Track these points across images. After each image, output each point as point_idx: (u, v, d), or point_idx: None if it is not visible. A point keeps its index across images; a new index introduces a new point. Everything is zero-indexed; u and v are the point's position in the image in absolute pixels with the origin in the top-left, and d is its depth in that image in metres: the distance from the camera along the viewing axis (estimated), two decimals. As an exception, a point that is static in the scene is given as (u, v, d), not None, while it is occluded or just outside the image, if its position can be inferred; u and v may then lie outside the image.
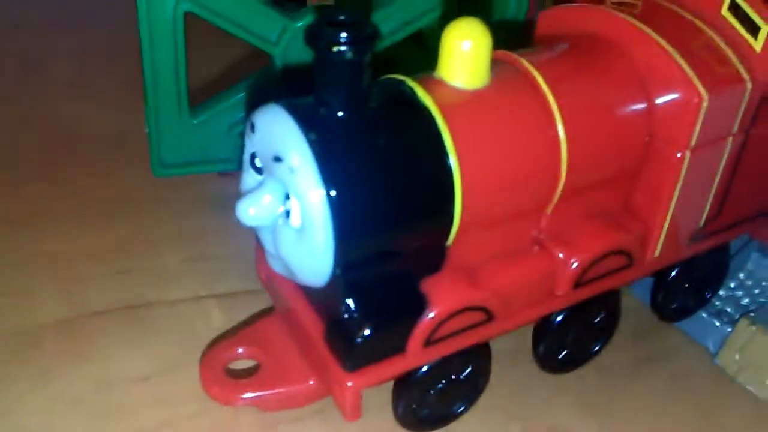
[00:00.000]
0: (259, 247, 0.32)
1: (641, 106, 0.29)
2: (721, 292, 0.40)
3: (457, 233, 0.27)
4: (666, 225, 0.31)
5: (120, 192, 0.46)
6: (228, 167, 0.44)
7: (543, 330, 0.33)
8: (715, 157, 0.31)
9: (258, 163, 0.27)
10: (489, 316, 0.29)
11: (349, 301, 0.27)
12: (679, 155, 0.30)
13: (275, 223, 0.26)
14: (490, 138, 0.27)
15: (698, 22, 0.30)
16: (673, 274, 0.36)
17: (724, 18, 0.30)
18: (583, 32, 0.31)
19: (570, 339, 0.34)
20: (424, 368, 0.29)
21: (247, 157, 0.27)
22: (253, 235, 0.29)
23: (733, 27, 0.30)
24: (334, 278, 0.26)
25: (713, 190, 0.32)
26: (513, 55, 0.29)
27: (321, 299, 0.29)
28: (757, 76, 0.29)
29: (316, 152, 0.24)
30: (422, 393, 0.30)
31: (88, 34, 0.65)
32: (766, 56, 0.29)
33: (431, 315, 0.27)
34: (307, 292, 0.30)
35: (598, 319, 0.34)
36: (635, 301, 0.40)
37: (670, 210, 0.31)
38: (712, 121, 0.29)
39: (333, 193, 0.24)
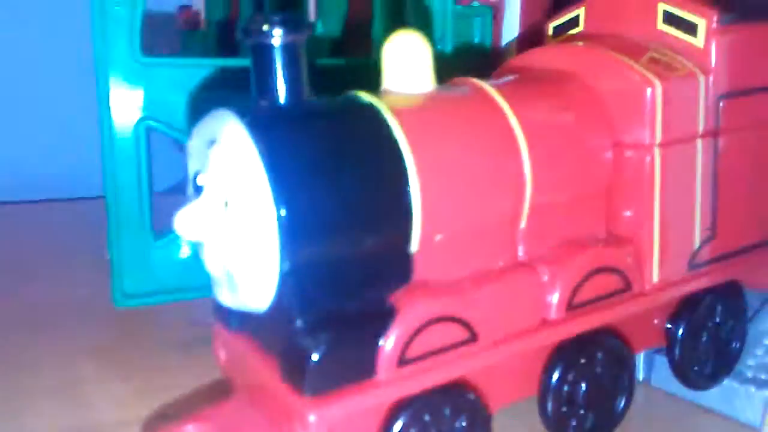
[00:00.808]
0: (216, 329, 0.29)
1: (600, 119, 0.29)
2: (750, 362, 0.35)
3: (422, 238, 0.25)
4: (656, 239, 0.29)
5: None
6: (196, 295, 0.41)
7: (546, 384, 0.28)
8: (688, 159, 0.29)
9: (199, 181, 0.25)
10: (471, 333, 0.25)
11: (303, 312, 0.23)
12: (648, 158, 0.28)
13: (216, 227, 0.23)
14: (446, 135, 0.26)
15: (640, 41, 0.31)
16: (684, 327, 0.32)
17: (661, 31, 0.31)
18: (542, 68, 0.31)
19: (581, 396, 0.29)
20: (404, 414, 0.24)
21: (190, 177, 0.25)
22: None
23: (672, 35, 0.30)
24: (284, 282, 0.23)
25: (698, 202, 0.30)
26: (469, 79, 0.29)
27: (274, 340, 0.25)
28: (708, 70, 0.29)
29: (250, 128, 0.22)
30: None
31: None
32: (708, 49, 0.29)
33: (399, 322, 0.23)
34: (265, 342, 0.26)
35: (607, 369, 0.29)
36: (658, 392, 0.35)
37: (655, 219, 0.28)
38: (672, 114, 0.28)
39: (273, 167, 0.22)
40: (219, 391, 0.35)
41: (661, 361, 0.34)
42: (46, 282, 0.51)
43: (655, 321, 0.32)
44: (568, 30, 0.35)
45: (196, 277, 0.41)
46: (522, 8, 0.46)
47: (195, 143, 0.24)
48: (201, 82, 0.39)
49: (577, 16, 0.35)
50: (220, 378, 0.37)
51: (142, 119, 0.38)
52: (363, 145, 0.24)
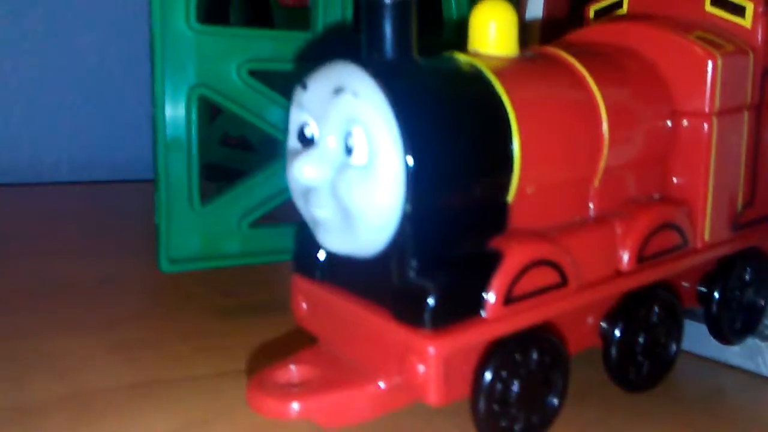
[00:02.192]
0: (297, 280, 0.30)
1: (660, 89, 0.31)
2: (767, 321, 0.38)
3: (518, 189, 0.27)
4: (709, 200, 0.31)
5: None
6: (237, 262, 0.42)
7: (609, 336, 0.30)
8: (737, 128, 0.32)
9: (308, 132, 0.26)
10: (563, 278, 0.27)
11: (419, 254, 0.24)
12: (706, 126, 0.31)
13: (336, 172, 0.25)
14: (540, 95, 0.28)
15: (687, 22, 0.33)
16: (720, 287, 0.35)
17: (709, 13, 0.33)
18: (600, 42, 0.33)
19: (641, 344, 0.31)
20: (499, 352, 0.26)
21: (294, 129, 0.27)
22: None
23: (720, 17, 0.33)
24: (403, 224, 0.24)
25: (742, 169, 0.33)
26: (547, 47, 0.31)
27: (381, 284, 0.26)
28: (756, 47, 0.32)
29: (378, 77, 0.24)
30: (505, 380, 0.26)
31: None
32: (756, 29, 0.32)
33: (507, 264, 0.25)
34: (363, 289, 0.27)
35: (662, 322, 0.32)
36: (683, 353, 0.38)
37: (710, 182, 0.31)
38: (728, 86, 0.31)
39: (402, 115, 0.23)
40: (281, 348, 0.36)
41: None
42: (95, 257, 0.51)
43: (685, 284, 0.35)
44: (611, 13, 0.38)
45: (237, 244, 0.41)
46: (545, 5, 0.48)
47: (310, 93, 0.26)
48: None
49: (621, 0, 0.37)
50: (274, 339, 0.38)
51: (194, 86, 0.39)
52: (473, 101, 0.26)
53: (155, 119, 0.38)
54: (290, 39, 0.41)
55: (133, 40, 0.76)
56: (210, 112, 0.76)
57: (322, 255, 0.29)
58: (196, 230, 0.40)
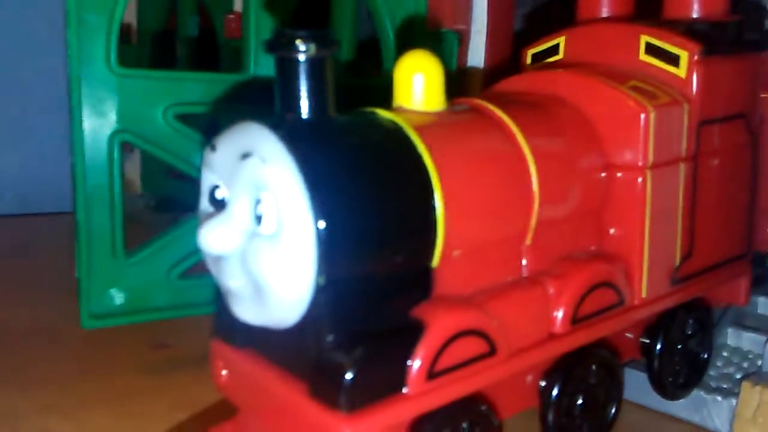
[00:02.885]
0: (217, 346, 0.28)
1: (593, 142, 0.30)
2: (711, 373, 0.38)
3: (442, 253, 0.25)
4: (645, 255, 0.30)
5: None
6: (166, 315, 0.40)
7: (547, 398, 0.29)
8: (672, 180, 0.31)
9: (219, 194, 0.25)
10: (491, 346, 0.25)
11: (335, 327, 0.23)
12: (640, 179, 0.30)
13: (246, 241, 0.23)
14: (464, 152, 0.26)
15: (622, 70, 0.33)
16: (661, 341, 0.34)
17: (643, 61, 0.33)
18: (531, 92, 0.32)
19: (578, 406, 0.30)
20: (427, 428, 0.24)
21: (206, 190, 0.25)
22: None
23: (654, 66, 0.32)
24: (317, 296, 0.23)
25: (679, 222, 0.32)
26: (473, 99, 0.30)
27: (297, 357, 0.25)
28: (690, 98, 0.31)
29: (287, 141, 0.22)
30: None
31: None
32: (690, 79, 0.32)
33: (430, 336, 0.24)
34: (281, 359, 0.26)
35: (599, 380, 0.31)
36: (628, 403, 0.37)
37: (645, 236, 0.30)
38: (661, 138, 0.30)
39: (311, 179, 0.22)
40: (207, 413, 0.34)
41: (629, 374, 0.36)
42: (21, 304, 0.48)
43: (629, 335, 0.34)
44: (547, 58, 0.37)
45: (165, 296, 0.40)
46: (488, 36, 0.48)
47: (219, 156, 0.24)
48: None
49: (557, 45, 0.36)
50: (204, 397, 0.36)
51: (116, 131, 0.37)
52: (392, 162, 0.24)
53: (74, 167, 0.36)
54: (220, 81, 0.39)
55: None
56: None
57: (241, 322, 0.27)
58: (121, 283, 0.38)
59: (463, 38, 0.48)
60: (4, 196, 0.77)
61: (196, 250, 0.40)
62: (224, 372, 0.29)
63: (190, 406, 0.36)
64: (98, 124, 0.36)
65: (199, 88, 0.39)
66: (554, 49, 0.36)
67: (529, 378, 0.30)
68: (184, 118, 0.39)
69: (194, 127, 0.39)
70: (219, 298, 0.29)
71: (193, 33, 0.74)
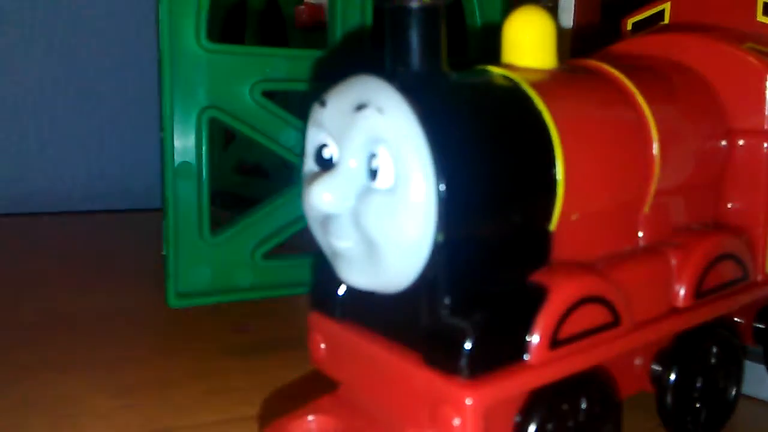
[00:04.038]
0: (315, 319, 0.27)
1: (714, 107, 0.28)
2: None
3: (561, 217, 0.24)
4: (772, 227, 0.28)
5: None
6: (250, 296, 0.39)
7: (665, 380, 0.27)
8: (800, 147, 0.29)
9: (327, 153, 0.23)
10: (614, 316, 0.24)
11: (453, 289, 0.22)
12: (765, 145, 0.28)
13: (358, 198, 0.22)
14: (584, 112, 0.25)
15: (735, 33, 0.31)
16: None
17: (761, 22, 0.31)
18: (645, 55, 0.30)
19: (698, 389, 0.28)
20: (544, 402, 0.23)
21: (311, 150, 0.24)
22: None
23: (772, 27, 0.30)
24: (434, 256, 0.21)
25: (806, 193, 0.29)
26: (590, 60, 0.28)
27: (407, 324, 0.23)
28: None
29: (405, 92, 0.21)
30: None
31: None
32: (816, 40, 0.29)
33: (553, 302, 0.22)
34: (387, 329, 0.25)
35: (720, 363, 0.28)
36: (744, 398, 0.34)
37: (771, 207, 0.28)
38: (789, 100, 0.28)
39: (433, 133, 0.21)
40: (298, 392, 0.33)
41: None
42: (101, 291, 0.49)
43: (739, 320, 0.32)
44: (650, 26, 0.35)
45: (250, 277, 0.39)
46: (576, 11, 0.46)
47: (329, 111, 0.23)
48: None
49: (662, 11, 0.35)
50: (290, 381, 0.35)
51: (204, 108, 0.37)
52: (512, 120, 0.23)
53: (164, 144, 0.36)
54: (306, 58, 0.38)
55: (150, 65, 0.75)
56: (224, 139, 0.74)
57: (342, 290, 0.26)
58: (206, 262, 0.38)
59: (552, 4, 0.46)
60: (72, 194, 0.78)
61: (281, 231, 0.39)
62: (323, 346, 0.27)
63: (276, 387, 0.35)
64: (187, 101, 0.36)
65: (286, 64, 0.38)
66: (659, 16, 0.35)
67: (638, 360, 0.28)
68: (271, 96, 0.38)
69: (282, 105, 0.38)
70: (317, 270, 0.28)
71: (260, 6, 0.73)
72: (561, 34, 0.43)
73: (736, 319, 0.32)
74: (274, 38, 0.70)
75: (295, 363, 0.35)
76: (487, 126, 0.22)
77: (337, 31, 0.39)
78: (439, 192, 0.21)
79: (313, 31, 0.65)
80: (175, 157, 0.36)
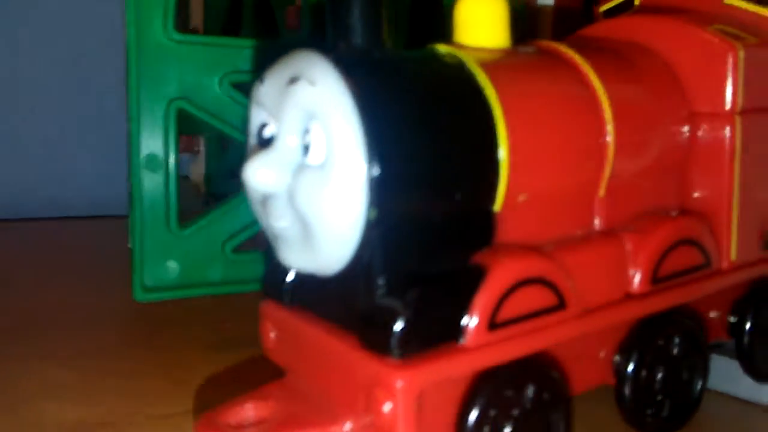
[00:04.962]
0: (266, 307, 0.27)
1: (675, 88, 0.28)
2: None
3: (506, 197, 0.23)
4: (735, 213, 0.27)
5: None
6: (220, 290, 0.39)
7: (623, 370, 0.26)
8: (765, 129, 0.28)
9: (267, 132, 0.23)
10: (560, 299, 0.23)
11: (387, 269, 0.21)
12: (728, 128, 0.27)
13: (293, 176, 0.21)
14: (532, 91, 0.24)
15: (703, 15, 0.30)
16: (752, 317, 0.30)
17: (728, 5, 0.30)
18: (610, 38, 0.30)
19: (659, 381, 0.27)
20: (487, 387, 0.22)
21: (254, 129, 0.23)
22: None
23: (740, 9, 0.29)
24: (367, 234, 0.21)
25: (774, 178, 0.29)
26: (547, 41, 0.28)
27: (346, 307, 0.23)
28: (783, 41, 0.28)
29: (336, 63, 0.21)
30: (494, 421, 0.22)
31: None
32: (783, 21, 0.29)
33: (491, 281, 0.21)
34: (329, 313, 0.24)
35: (683, 355, 0.28)
36: (715, 394, 0.33)
37: (735, 193, 0.27)
38: (752, 81, 0.27)
39: (364, 105, 0.20)
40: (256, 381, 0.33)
41: (714, 360, 0.33)
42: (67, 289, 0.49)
43: (713, 314, 0.31)
44: (620, 13, 0.35)
45: (220, 271, 0.39)
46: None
47: (267, 88, 0.23)
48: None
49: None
50: (254, 373, 0.35)
51: (173, 99, 0.36)
52: (452, 96, 0.22)
53: (130, 134, 0.36)
54: (276, 48, 0.38)
55: (116, 70, 0.75)
56: (221, 143, 0.74)
57: (291, 276, 0.26)
58: (175, 255, 0.37)
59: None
60: (72, 199, 0.78)
61: (252, 224, 0.39)
62: (272, 334, 0.27)
63: (241, 380, 0.34)
64: (155, 91, 0.36)
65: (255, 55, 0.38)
66: (628, 3, 0.34)
67: (602, 353, 0.27)
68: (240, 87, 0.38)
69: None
70: (268, 256, 0.27)
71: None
72: (542, 13, 0.43)
73: (711, 313, 0.31)
74: (268, 36, 0.71)
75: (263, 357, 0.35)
76: (424, 102, 0.22)
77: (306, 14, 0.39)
78: (369, 169, 0.20)
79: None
80: (142, 148, 0.36)
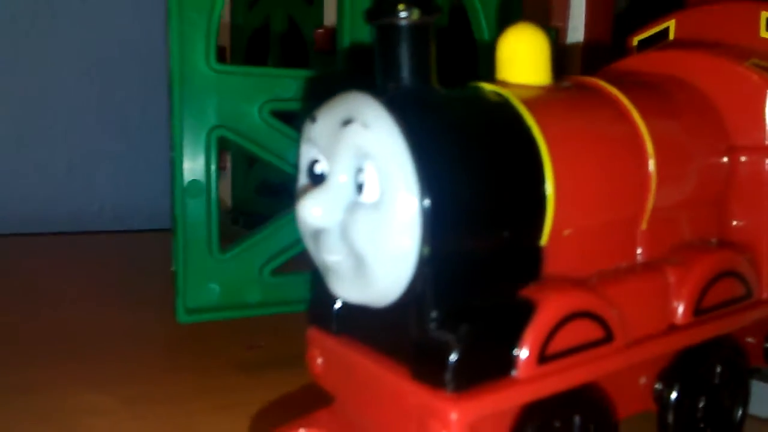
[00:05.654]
0: (313, 334, 0.27)
1: (714, 123, 0.28)
2: None
3: (552, 232, 0.24)
4: (775, 244, 0.28)
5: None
6: (258, 312, 0.39)
7: (666, 399, 0.27)
8: (805, 162, 0.28)
9: (318, 168, 0.24)
10: (607, 332, 0.23)
11: (439, 303, 0.22)
12: (767, 161, 0.28)
13: (347, 213, 0.22)
14: (576, 127, 0.25)
15: (739, 49, 0.30)
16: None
17: (764, 39, 0.30)
18: (647, 72, 0.30)
19: (700, 410, 0.27)
20: (535, 418, 0.22)
21: (304, 166, 0.24)
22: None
23: (777, 43, 0.30)
24: (420, 269, 0.21)
25: (813, 209, 0.29)
26: (587, 77, 0.28)
27: (397, 338, 0.23)
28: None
29: (389, 106, 0.21)
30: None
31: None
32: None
33: (541, 316, 0.22)
34: (379, 343, 0.25)
35: (724, 383, 0.28)
36: (754, 420, 0.33)
37: (775, 224, 0.28)
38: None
39: (417, 146, 0.21)
40: (301, 407, 0.34)
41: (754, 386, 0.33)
42: (115, 308, 0.50)
43: (751, 340, 0.31)
44: (655, 43, 0.35)
45: (258, 293, 0.39)
46: (586, 33, 0.46)
47: (319, 127, 0.23)
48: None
49: (666, 29, 0.35)
50: (292, 394, 0.35)
51: (213, 127, 0.37)
52: (499, 134, 0.23)
53: (174, 162, 0.37)
54: (314, 78, 0.39)
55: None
56: (248, 160, 0.75)
57: (338, 305, 0.27)
58: (215, 278, 0.38)
59: (559, 35, 0.46)
60: (102, 212, 0.80)
61: (289, 248, 0.40)
62: (320, 360, 0.28)
63: (283, 402, 0.35)
64: (197, 120, 0.37)
65: (294, 84, 0.39)
66: (663, 34, 0.35)
67: (643, 380, 0.27)
68: (280, 116, 0.39)
69: (288, 123, 0.39)
70: (314, 285, 0.28)
71: (282, 29, 0.74)
72: (571, 50, 0.44)
73: (748, 339, 0.31)
74: (296, 61, 0.72)
75: (303, 379, 0.36)
76: (474, 141, 0.22)
77: (345, 49, 0.40)
78: (423, 206, 0.21)
79: (332, 53, 0.66)
80: (185, 175, 0.37)
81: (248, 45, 0.77)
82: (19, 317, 0.48)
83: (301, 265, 0.42)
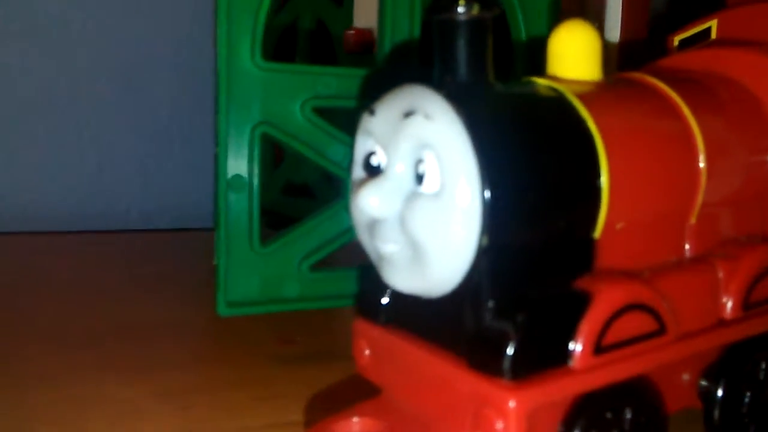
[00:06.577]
0: (360, 325, 0.28)
1: (761, 120, 0.28)
2: None
3: (605, 225, 0.24)
4: (823, 241, 0.28)
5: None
6: (297, 306, 0.40)
7: (713, 395, 0.27)
8: None
9: (375, 160, 0.24)
10: (660, 325, 0.24)
11: (496, 293, 0.22)
12: (816, 160, 0.28)
13: (405, 203, 0.23)
14: (630, 122, 0.25)
15: (788, 48, 0.31)
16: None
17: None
18: (691, 69, 0.31)
19: (745, 405, 0.27)
20: (588, 409, 0.23)
21: (360, 157, 0.25)
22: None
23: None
24: (479, 259, 0.22)
25: None
26: (635, 73, 0.29)
27: (452, 328, 0.24)
28: None
29: (452, 99, 0.22)
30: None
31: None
32: None
33: (597, 307, 0.22)
34: (431, 333, 0.25)
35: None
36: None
37: (823, 221, 0.28)
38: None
39: (478, 138, 0.21)
40: (341, 399, 0.34)
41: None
42: (156, 302, 0.51)
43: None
44: (696, 43, 0.35)
45: (297, 288, 0.40)
46: (621, 35, 0.46)
47: (378, 119, 0.24)
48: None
49: (708, 29, 0.35)
50: (334, 390, 0.36)
51: (257, 124, 0.38)
52: (556, 127, 0.23)
53: (218, 157, 0.37)
54: (355, 76, 0.40)
55: (205, 89, 0.77)
56: (274, 159, 0.76)
57: (386, 298, 0.27)
58: (255, 272, 0.39)
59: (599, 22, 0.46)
60: (129, 212, 0.81)
61: (327, 243, 0.40)
62: (367, 352, 0.28)
63: (322, 395, 0.35)
64: (241, 117, 0.38)
65: (336, 82, 0.39)
66: (705, 33, 0.35)
67: (686, 376, 0.28)
68: (321, 113, 0.40)
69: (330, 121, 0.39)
70: (362, 279, 0.28)
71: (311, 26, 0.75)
72: (608, 49, 0.44)
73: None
74: (324, 62, 0.72)
75: (341, 372, 0.36)
76: (532, 133, 0.23)
77: (387, 50, 0.40)
78: (483, 197, 0.21)
79: (362, 54, 0.66)
80: (228, 170, 0.37)
81: (276, 44, 0.78)
82: (65, 312, 0.49)
83: (340, 262, 0.42)
